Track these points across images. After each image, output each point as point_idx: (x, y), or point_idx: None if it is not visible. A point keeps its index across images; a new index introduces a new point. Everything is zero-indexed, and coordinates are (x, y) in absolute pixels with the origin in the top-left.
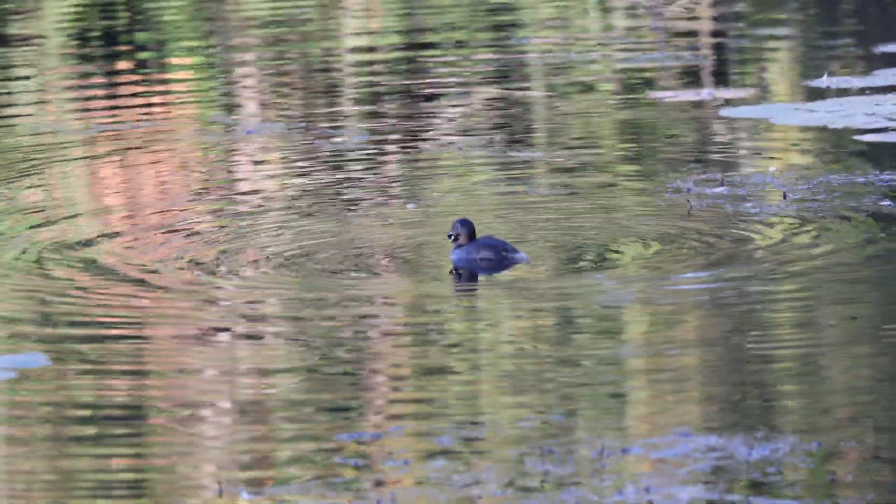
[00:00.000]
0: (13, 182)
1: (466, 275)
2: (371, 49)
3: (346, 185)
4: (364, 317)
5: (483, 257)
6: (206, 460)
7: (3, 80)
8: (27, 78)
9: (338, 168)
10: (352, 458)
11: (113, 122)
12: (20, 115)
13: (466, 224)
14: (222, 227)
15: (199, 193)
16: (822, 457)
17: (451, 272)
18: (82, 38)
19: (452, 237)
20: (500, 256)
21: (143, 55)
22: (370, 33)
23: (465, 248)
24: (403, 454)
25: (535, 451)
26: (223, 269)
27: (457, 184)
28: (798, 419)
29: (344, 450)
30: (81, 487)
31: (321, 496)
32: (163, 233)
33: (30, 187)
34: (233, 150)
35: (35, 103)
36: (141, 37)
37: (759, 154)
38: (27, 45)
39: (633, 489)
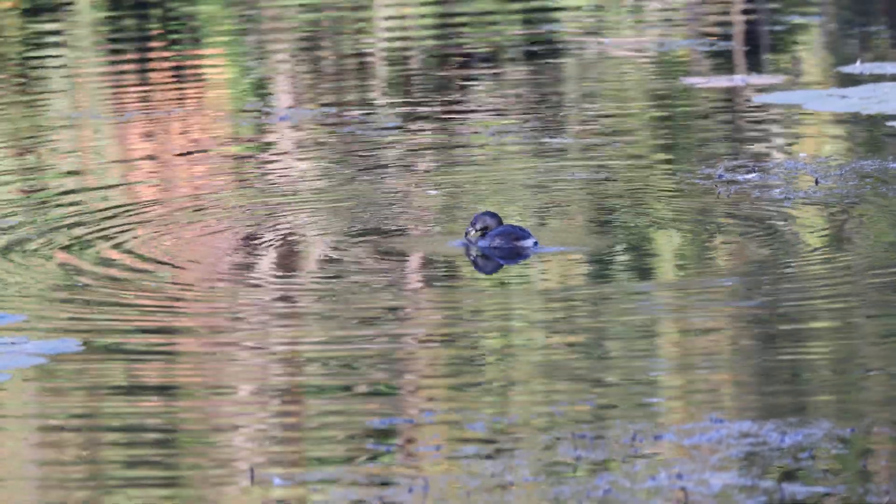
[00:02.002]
0: (46, 169)
1: (496, 265)
2: (404, 34)
3: (376, 171)
4: (395, 307)
5: (496, 245)
6: (237, 447)
7: (36, 67)
8: (60, 66)
9: (369, 154)
10: (384, 444)
11: (146, 109)
12: (52, 101)
13: (493, 216)
14: (254, 213)
15: (232, 180)
16: (854, 443)
17: (473, 261)
18: (116, 25)
19: (475, 230)
20: (510, 244)
21: (176, 41)
22: (402, 17)
23: (485, 237)
24: (435, 440)
25: (567, 436)
26: (253, 255)
27: (486, 171)
28: (831, 405)
29: (376, 436)
30: (112, 476)
31: (353, 482)
32: (196, 220)
33: (62, 174)
34: (266, 136)
35: (66, 90)
36: (175, 24)
37: (792, 140)
38: (59, 35)
39: (666, 475)
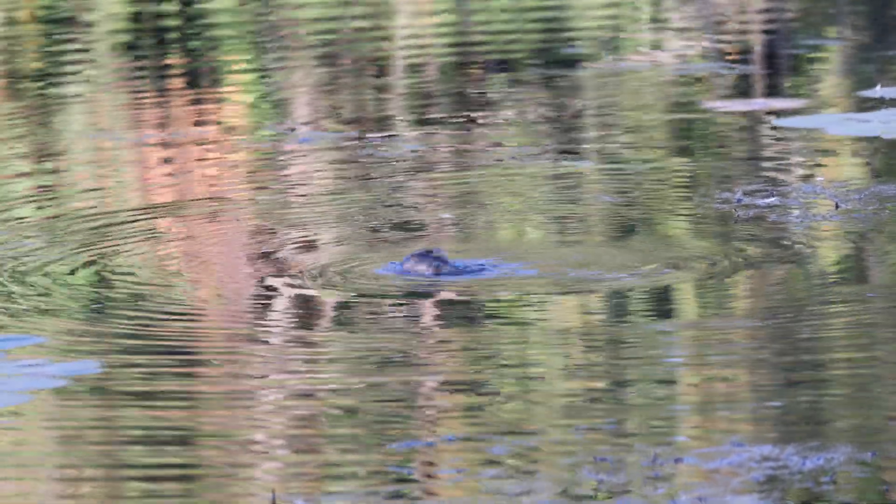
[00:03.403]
0: (64, 189)
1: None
2: (423, 54)
3: (393, 194)
4: (417, 329)
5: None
6: (258, 469)
7: (53, 83)
8: (77, 83)
9: (388, 177)
10: (405, 467)
11: (164, 128)
12: (69, 119)
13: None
14: (273, 234)
15: (252, 201)
16: (876, 466)
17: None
18: (133, 45)
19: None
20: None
21: (194, 62)
22: (421, 36)
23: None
24: (456, 463)
25: (587, 460)
26: (276, 276)
27: (502, 193)
28: (852, 429)
29: (397, 459)
30: (131, 497)
31: None
32: (217, 240)
33: (80, 194)
34: (285, 158)
35: (84, 108)
36: (193, 43)
37: (811, 164)
38: (78, 52)
39: (687, 498)
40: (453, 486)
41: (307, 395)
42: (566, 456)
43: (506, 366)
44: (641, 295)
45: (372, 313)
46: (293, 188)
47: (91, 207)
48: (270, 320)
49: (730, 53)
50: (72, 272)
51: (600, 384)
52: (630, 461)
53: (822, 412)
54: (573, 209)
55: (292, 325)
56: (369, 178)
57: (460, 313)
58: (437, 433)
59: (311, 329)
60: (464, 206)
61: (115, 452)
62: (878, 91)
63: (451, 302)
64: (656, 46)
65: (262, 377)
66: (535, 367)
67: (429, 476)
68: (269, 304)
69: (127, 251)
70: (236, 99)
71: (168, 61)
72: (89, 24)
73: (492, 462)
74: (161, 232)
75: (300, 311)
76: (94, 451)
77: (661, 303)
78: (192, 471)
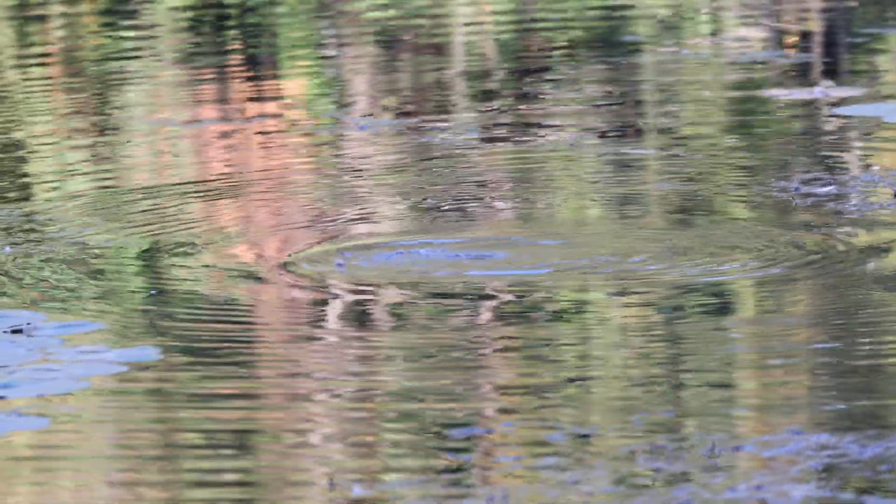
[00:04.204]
0: (123, 178)
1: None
2: (483, 41)
3: (452, 182)
4: (475, 316)
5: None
6: (315, 455)
7: (113, 72)
8: (137, 72)
9: (447, 166)
10: (463, 453)
11: (223, 110)
12: (129, 108)
13: None
14: (332, 223)
15: (312, 189)
16: None
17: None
18: (194, 25)
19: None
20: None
21: (255, 47)
22: (482, 23)
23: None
24: (515, 450)
25: (645, 447)
26: (336, 264)
27: (560, 181)
28: None
29: (455, 445)
30: (188, 482)
31: (433, 491)
32: (278, 228)
33: (139, 183)
34: (345, 145)
35: (143, 96)
36: (253, 23)
37: (870, 153)
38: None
39: (746, 486)
40: (510, 473)
41: (364, 384)
42: (623, 444)
43: (563, 355)
44: (699, 286)
45: (428, 304)
46: (352, 171)
47: (150, 188)
48: (327, 306)
49: (790, 40)
50: (130, 255)
51: (657, 372)
52: (688, 450)
53: (881, 400)
54: (631, 195)
55: (349, 312)
56: (428, 162)
57: (518, 304)
58: (495, 421)
59: (368, 319)
60: (523, 191)
61: (173, 433)
62: None
63: (507, 292)
64: (717, 32)
65: (321, 364)
66: (593, 356)
67: (486, 464)
68: (327, 288)
69: (186, 233)
70: (296, 81)
71: (228, 41)
72: (152, 1)
73: (549, 450)
74: (220, 213)
75: (357, 299)
76: (151, 437)
77: (719, 294)
78: (249, 455)
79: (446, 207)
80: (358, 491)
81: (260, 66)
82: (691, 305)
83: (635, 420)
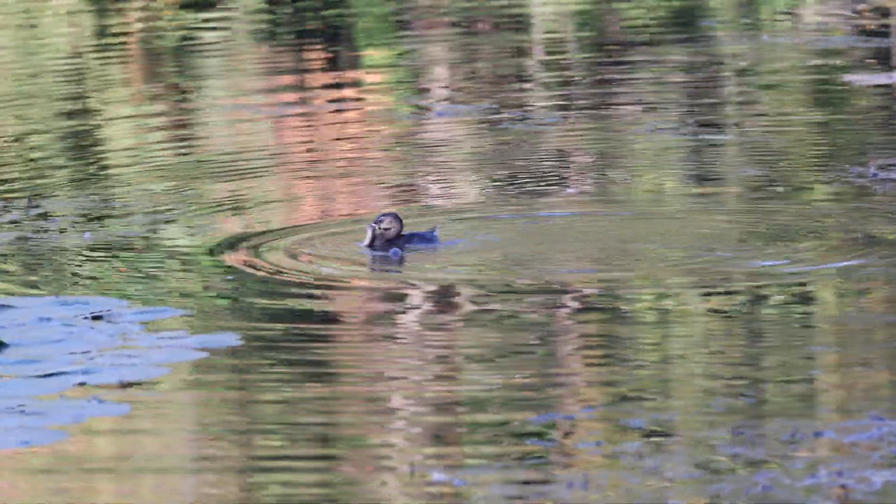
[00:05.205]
0: (202, 164)
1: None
2: (561, 28)
3: (531, 168)
4: (553, 303)
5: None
6: (396, 441)
7: (194, 57)
8: (217, 57)
9: (527, 152)
10: (543, 439)
11: (303, 102)
12: (209, 93)
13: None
14: (410, 212)
15: (390, 178)
16: None
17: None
18: (274, 16)
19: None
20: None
21: (334, 34)
22: (559, 13)
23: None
24: (595, 436)
25: (725, 433)
26: (391, 253)
27: (642, 168)
28: None
29: (536, 431)
30: (267, 468)
31: (513, 477)
32: (355, 217)
33: (219, 169)
34: (423, 133)
35: (223, 82)
36: (332, 16)
37: None
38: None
39: (826, 472)
40: (592, 458)
41: (445, 369)
42: (705, 429)
43: (645, 342)
44: (779, 274)
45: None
46: (430, 156)
47: (230, 171)
48: (405, 295)
49: (869, 26)
50: (210, 244)
51: (738, 358)
52: (769, 435)
53: None
54: (711, 181)
55: (426, 301)
56: (507, 148)
57: (599, 293)
58: (577, 406)
59: (448, 309)
60: (601, 177)
61: (252, 417)
62: None
63: (588, 284)
64: (796, 20)
65: (401, 351)
66: (675, 343)
67: (567, 450)
68: (403, 277)
69: (265, 220)
70: (376, 70)
71: (307, 37)
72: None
73: (631, 434)
74: (299, 200)
75: (435, 287)
76: (231, 420)
77: (799, 284)
78: (328, 440)
79: (528, 187)
80: (439, 477)
81: (340, 54)
82: (771, 294)
83: (716, 406)
